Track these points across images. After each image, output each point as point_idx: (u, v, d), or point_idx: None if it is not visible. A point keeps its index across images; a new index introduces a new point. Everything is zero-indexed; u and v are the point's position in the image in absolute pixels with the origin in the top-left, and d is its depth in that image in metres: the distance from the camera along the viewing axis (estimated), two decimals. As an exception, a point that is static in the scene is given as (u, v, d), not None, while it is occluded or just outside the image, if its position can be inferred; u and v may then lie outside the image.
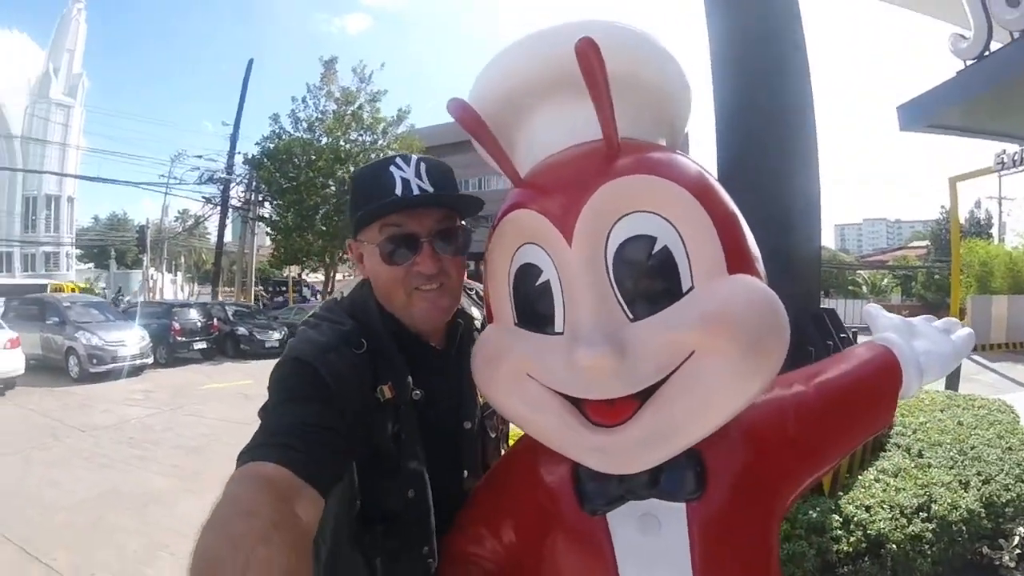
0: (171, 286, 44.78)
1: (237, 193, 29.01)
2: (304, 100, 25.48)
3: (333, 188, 24.35)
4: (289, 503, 0.77)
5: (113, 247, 54.36)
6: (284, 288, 33.48)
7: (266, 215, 27.65)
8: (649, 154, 0.92)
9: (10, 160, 53.19)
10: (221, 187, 28.30)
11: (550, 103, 0.99)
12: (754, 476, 0.97)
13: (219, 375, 14.21)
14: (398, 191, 1.08)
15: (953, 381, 8.22)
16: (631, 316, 0.84)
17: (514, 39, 1.03)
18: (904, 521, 3.06)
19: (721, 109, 4.33)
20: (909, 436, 4.36)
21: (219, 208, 28.87)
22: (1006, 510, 3.52)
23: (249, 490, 0.77)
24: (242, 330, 17.96)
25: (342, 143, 24.81)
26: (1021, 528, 3.51)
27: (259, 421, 0.94)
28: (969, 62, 7.89)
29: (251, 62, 30.32)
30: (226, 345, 17.77)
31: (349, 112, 25.02)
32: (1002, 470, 3.84)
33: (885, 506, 3.15)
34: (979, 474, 3.73)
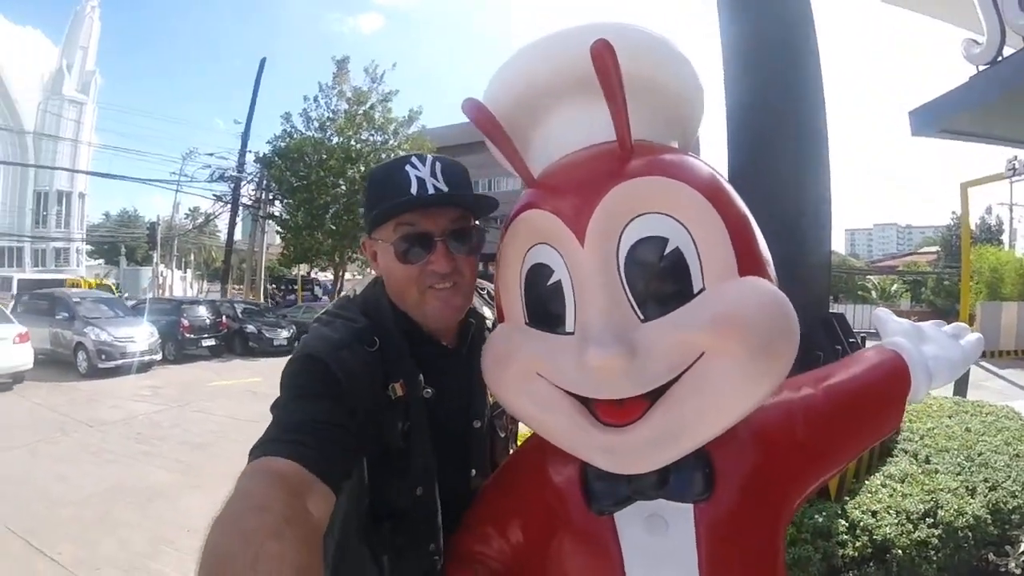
0: (181, 283, 44.92)
1: (248, 191, 29.14)
2: (316, 99, 25.55)
3: (344, 188, 24.40)
4: (301, 498, 0.77)
5: (123, 244, 54.65)
6: (302, 287, 33.44)
7: (276, 213, 27.74)
8: (662, 156, 0.93)
9: (22, 156, 53.58)
10: (232, 185, 28.41)
11: (564, 104, 1.00)
12: (762, 478, 0.98)
13: (227, 372, 14.26)
14: (413, 190, 1.09)
15: (961, 387, 8.18)
16: (642, 317, 0.85)
17: (529, 41, 1.04)
18: (910, 527, 3.05)
19: (733, 112, 4.32)
20: (916, 442, 4.34)
21: (230, 206, 28.97)
22: (1012, 517, 3.49)
23: (261, 485, 0.77)
24: (251, 328, 18.00)
25: (353, 143, 24.85)
26: (1028, 535, 3.50)
27: (267, 419, 0.95)
28: (982, 67, 7.83)
29: (263, 61, 30.45)
30: (234, 343, 17.80)
31: (361, 112, 25.07)
32: (1009, 477, 3.82)
33: (891, 511, 3.14)
34: (986, 480, 3.71)
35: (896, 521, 3.06)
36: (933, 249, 60.56)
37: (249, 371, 14.17)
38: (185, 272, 49.68)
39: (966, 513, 3.23)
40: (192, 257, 53.95)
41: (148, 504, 5.43)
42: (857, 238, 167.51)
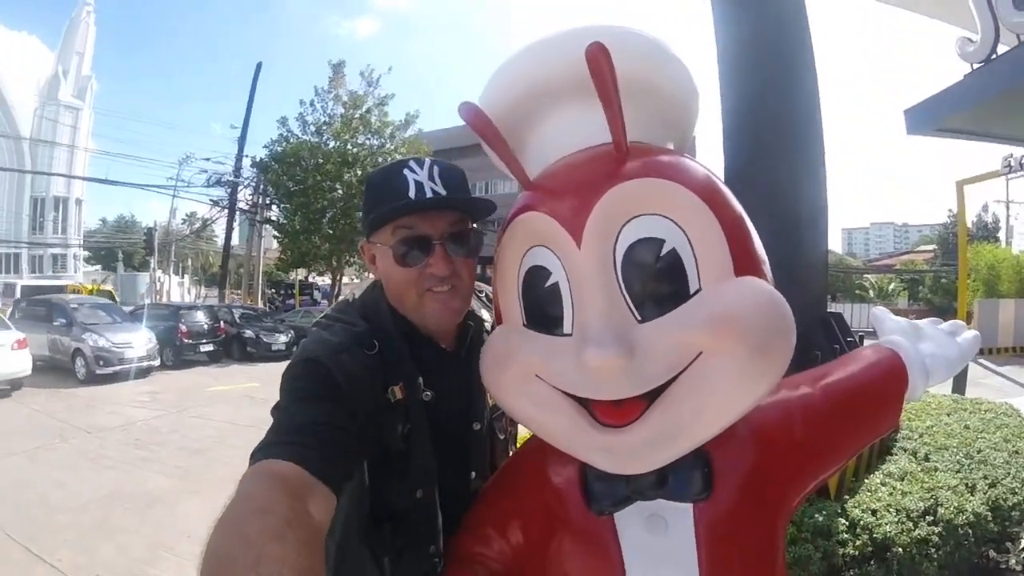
0: (178, 288, 44.92)
1: (245, 196, 29.13)
2: (312, 103, 25.62)
3: (340, 192, 24.45)
4: (302, 501, 0.77)
5: (120, 249, 54.64)
6: (302, 291, 33.36)
7: (273, 218, 27.74)
8: (658, 158, 0.93)
9: (19, 162, 53.55)
10: (229, 190, 28.38)
11: (560, 107, 1.01)
12: (761, 477, 0.98)
13: (225, 378, 14.22)
14: (411, 194, 1.09)
15: (960, 385, 8.18)
16: (639, 317, 0.85)
17: (525, 44, 1.05)
18: (910, 525, 3.05)
19: (729, 114, 4.33)
20: (915, 440, 4.35)
21: (227, 211, 28.95)
22: (1012, 514, 3.50)
23: (263, 487, 0.77)
24: (249, 333, 17.95)
25: (350, 147, 24.91)
26: (1028, 532, 3.51)
27: (265, 424, 0.95)
28: (976, 65, 7.87)
29: (259, 65, 30.45)
30: (233, 348, 17.75)
31: (357, 116, 25.11)
32: (1009, 473, 3.83)
33: (891, 510, 3.14)
34: (986, 478, 3.71)
35: (896, 519, 3.06)
36: (930, 247, 60.71)
37: (247, 376, 14.15)
38: (182, 277, 49.70)
39: (966, 510, 3.24)
40: (189, 262, 53.95)
41: (147, 510, 5.42)
42: (854, 237, 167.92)
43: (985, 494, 3.51)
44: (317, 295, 32.93)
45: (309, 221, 24.36)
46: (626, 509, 0.95)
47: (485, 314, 1.35)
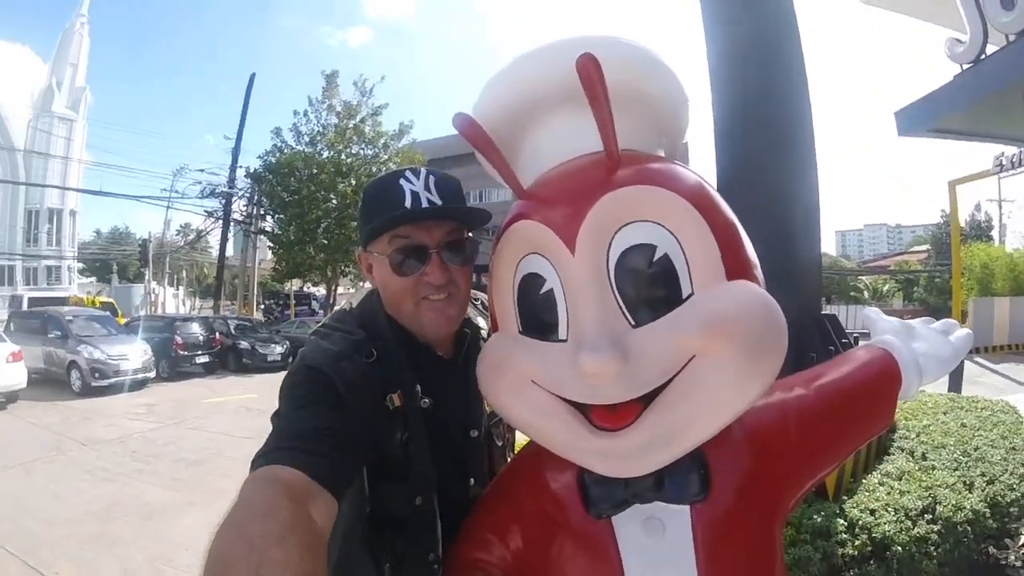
0: (173, 300, 44.80)
1: (239, 207, 29.12)
2: (306, 113, 25.65)
3: (335, 202, 24.46)
4: (304, 506, 0.78)
5: (115, 261, 54.48)
6: (300, 301, 33.20)
7: (268, 229, 27.71)
8: (649, 165, 0.94)
9: (13, 173, 53.42)
10: (223, 201, 28.36)
11: (553, 116, 1.02)
12: (757, 478, 0.99)
13: (222, 389, 14.18)
14: (408, 204, 1.10)
15: (956, 383, 8.22)
16: (633, 322, 0.86)
17: (517, 55, 1.06)
18: (909, 523, 3.06)
19: (720, 118, 4.35)
20: (912, 439, 4.36)
21: (221, 222, 28.92)
22: (1011, 510, 3.51)
23: (265, 492, 0.78)
24: (244, 344, 17.92)
25: (344, 157, 24.93)
26: (1027, 528, 3.52)
27: (262, 435, 0.95)
28: (965, 66, 7.92)
29: (253, 76, 30.50)
30: (228, 359, 17.72)
31: (351, 126, 25.14)
32: (1006, 470, 3.84)
33: (890, 509, 3.15)
34: (983, 475, 3.72)
35: (895, 518, 3.07)
36: (924, 248, 60.88)
37: (243, 387, 14.12)
38: (177, 289, 49.55)
39: (964, 508, 3.25)
40: (184, 274, 53.79)
41: (145, 522, 5.40)
42: (848, 239, 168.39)
43: (983, 491, 3.52)
44: (315, 305, 32.79)
45: (304, 231, 24.36)
46: (624, 512, 0.96)
47: (481, 322, 1.35)
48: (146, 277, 33.42)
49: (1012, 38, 7.28)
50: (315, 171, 24.35)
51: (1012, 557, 3.37)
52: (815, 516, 3.03)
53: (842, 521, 3.04)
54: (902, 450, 4.15)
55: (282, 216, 25.46)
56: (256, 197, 27.78)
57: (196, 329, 17.19)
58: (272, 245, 27.14)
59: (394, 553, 1.08)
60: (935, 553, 2.97)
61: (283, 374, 1.08)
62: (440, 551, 1.11)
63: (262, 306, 37.11)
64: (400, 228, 1.12)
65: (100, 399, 12.18)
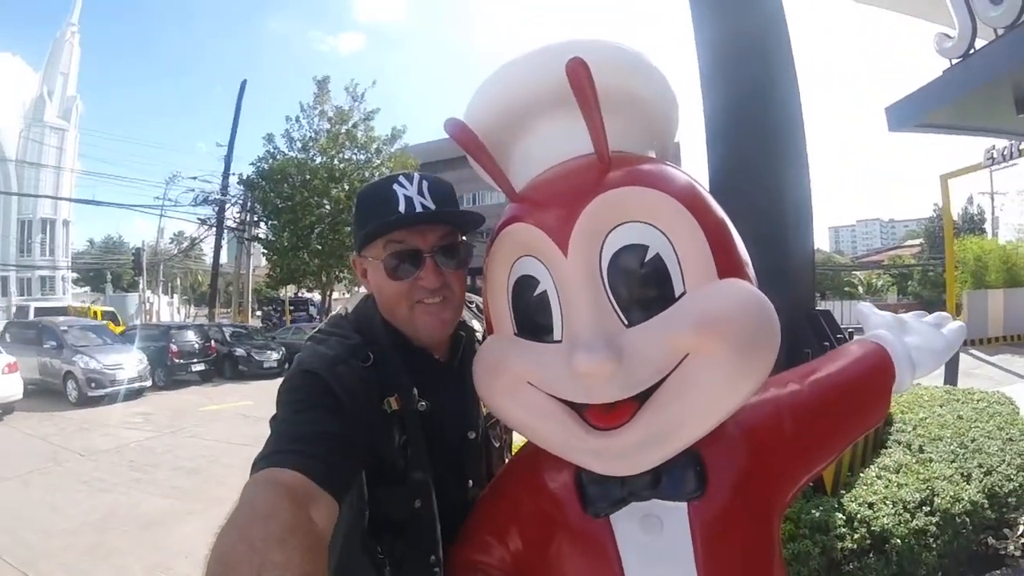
0: (168, 308, 44.62)
1: (232, 214, 29.02)
2: (298, 119, 25.58)
3: (328, 207, 24.40)
4: (305, 508, 0.78)
5: (109, 270, 54.26)
6: (297, 307, 32.98)
7: (262, 235, 27.62)
8: (639, 166, 0.95)
9: (5, 184, 53.14)
10: (216, 208, 28.27)
11: (544, 120, 1.03)
12: (753, 474, 1.00)
13: (218, 397, 14.15)
14: (401, 208, 1.11)
15: (952, 376, 8.25)
16: (626, 322, 0.87)
17: (507, 60, 1.07)
18: (908, 516, 3.07)
19: (711, 118, 4.38)
20: (909, 432, 4.38)
21: (214, 229, 28.83)
22: (1009, 500, 3.53)
23: (266, 495, 0.78)
24: (240, 351, 17.86)
25: (336, 162, 24.87)
26: (1025, 517, 3.54)
27: (259, 442, 0.96)
28: (955, 61, 7.95)
29: (244, 83, 30.49)
30: (224, 366, 17.67)
31: (343, 131, 25.09)
32: (1003, 461, 3.86)
33: (888, 502, 3.16)
34: (980, 466, 3.75)
35: (893, 511, 3.09)
36: (917, 242, 61.12)
37: (240, 395, 14.09)
38: (172, 297, 49.35)
39: (962, 499, 3.27)
40: (178, 282, 53.61)
41: (143, 531, 5.39)
42: (841, 234, 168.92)
43: (981, 482, 3.54)
44: (313, 311, 32.62)
45: (297, 237, 24.28)
46: (622, 510, 0.96)
47: (476, 324, 1.36)
48: (140, 286, 33.27)
49: (1001, 31, 7.31)
50: (308, 177, 24.28)
51: (1011, 547, 3.39)
52: (814, 510, 3.05)
53: (841, 515, 3.06)
54: (899, 443, 4.17)
55: (276, 222, 25.35)
56: (249, 204, 27.69)
57: (191, 337, 17.17)
58: (266, 251, 27.04)
59: (393, 556, 1.09)
60: (934, 545, 2.99)
61: (279, 381, 1.08)
62: (441, 553, 1.11)
63: (258, 313, 37.00)
64: (394, 233, 1.12)
65: (96, 409, 12.13)
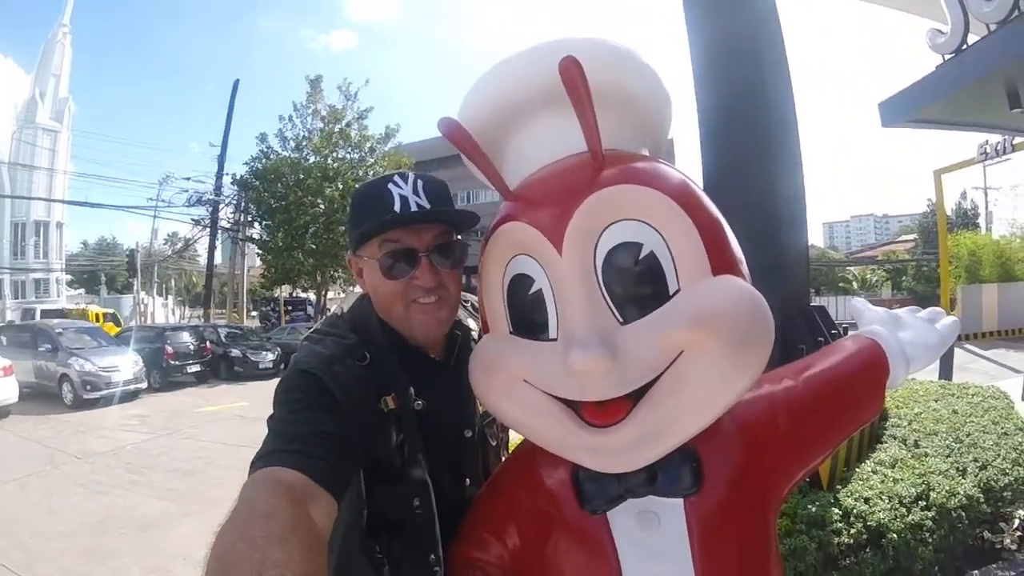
0: (162, 310, 44.53)
1: (226, 214, 28.92)
2: (291, 119, 25.53)
3: (322, 207, 24.36)
4: (304, 507, 0.78)
5: (103, 272, 54.06)
6: (295, 307, 32.81)
7: (256, 236, 27.55)
8: (633, 164, 0.95)
9: (-3, 186, 52.88)
10: (210, 209, 28.16)
11: (537, 118, 1.03)
12: (749, 470, 1.00)
13: (214, 398, 14.11)
14: (396, 208, 1.11)
15: (947, 371, 8.29)
16: (621, 320, 0.87)
17: (500, 58, 1.07)
18: (903, 511, 3.08)
19: (704, 118, 4.39)
20: (905, 427, 4.40)
21: (208, 230, 28.72)
22: (1004, 494, 3.55)
23: (266, 493, 0.78)
24: (235, 352, 17.81)
25: (330, 161, 24.83)
26: (1021, 511, 3.55)
27: (256, 443, 0.96)
28: (947, 56, 7.97)
29: (236, 82, 30.30)
30: (220, 367, 17.63)
31: (337, 130, 25.05)
32: (999, 455, 3.88)
33: (884, 497, 3.17)
34: (976, 460, 3.76)
35: (889, 506, 3.10)
36: (911, 237, 61.32)
37: (236, 395, 14.06)
38: (166, 298, 49.23)
39: (958, 493, 3.28)
40: (173, 283, 53.45)
41: (140, 533, 5.38)
42: (835, 230, 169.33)
43: (976, 476, 3.56)
44: (311, 310, 32.50)
45: (292, 237, 24.25)
46: (619, 507, 0.97)
47: (472, 323, 1.36)
48: (135, 287, 33.20)
49: (993, 27, 7.34)
50: (302, 176, 24.24)
51: (1007, 540, 3.40)
52: (810, 506, 3.05)
53: (837, 510, 3.06)
54: (895, 438, 4.18)
55: (270, 222, 25.30)
56: (243, 204, 27.61)
57: (187, 338, 17.09)
58: (260, 252, 26.97)
59: (391, 555, 1.09)
60: (930, 539, 3.00)
61: (275, 381, 1.08)
62: (440, 552, 1.11)
63: (253, 314, 36.87)
64: (390, 232, 1.13)
65: (92, 411, 12.09)
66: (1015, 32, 6.95)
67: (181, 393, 14.97)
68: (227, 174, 28.21)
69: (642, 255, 0.88)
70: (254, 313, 37.79)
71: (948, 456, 3.81)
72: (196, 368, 16.60)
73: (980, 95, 7.96)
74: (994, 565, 3.32)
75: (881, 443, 4.12)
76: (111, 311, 29.97)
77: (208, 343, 17.60)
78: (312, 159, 24.89)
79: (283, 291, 32.49)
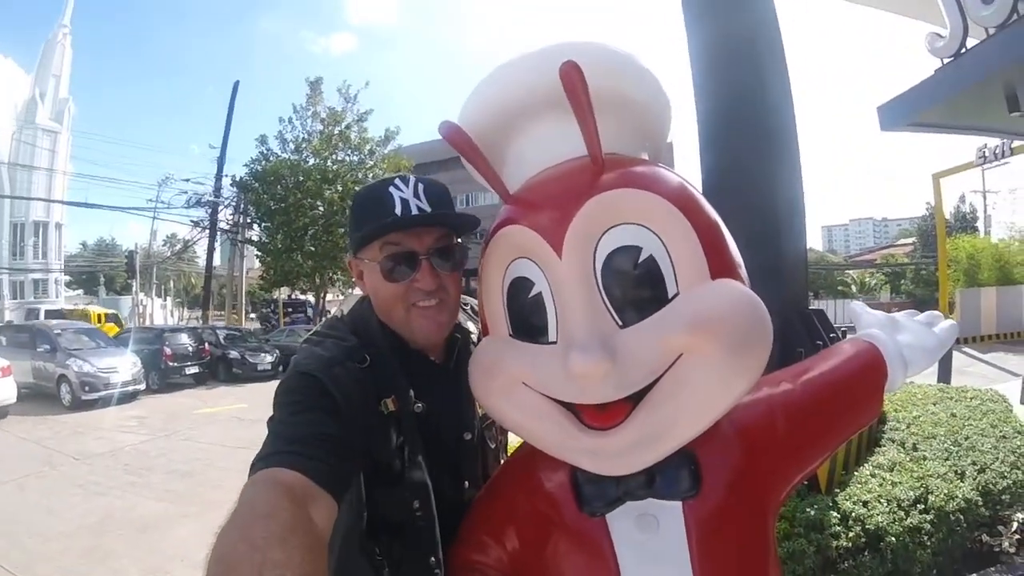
0: (161, 311, 44.48)
1: (225, 216, 28.89)
2: (291, 121, 25.54)
3: (322, 209, 24.36)
4: (305, 508, 0.78)
5: (102, 273, 53.99)
6: (294, 309, 32.72)
7: (255, 238, 27.53)
8: (632, 168, 0.96)
9: (-3, 187, 52.78)
10: (209, 210, 28.14)
11: (537, 122, 1.03)
12: (747, 473, 1.01)
13: (212, 399, 14.10)
14: (397, 211, 1.12)
15: (945, 374, 8.29)
16: (620, 323, 0.88)
17: (501, 63, 1.07)
18: (902, 514, 3.08)
19: (704, 122, 4.40)
20: (903, 430, 4.40)
21: (207, 231, 28.70)
22: (1003, 497, 3.55)
23: (267, 494, 0.78)
24: (234, 354, 17.78)
25: (330, 163, 24.83)
26: (1019, 514, 3.55)
27: (255, 445, 0.96)
28: (946, 60, 7.99)
29: (236, 84, 30.32)
30: (218, 369, 17.60)
31: (336, 132, 25.06)
32: (997, 458, 3.88)
33: (882, 500, 3.17)
34: (974, 463, 3.76)
35: (888, 509, 3.10)
36: (910, 240, 61.36)
37: (234, 397, 14.05)
38: (165, 300, 49.18)
39: (956, 497, 3.28)
40: (172, 284, 53.41)
41: (139, 535, 5.38)
42: (834, 234, 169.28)
43: (975, 480, 3.56)
44: (310, 312, 32.42)
45: (291, 239, 24.25)
46: (618, 509, 0.97)
47: (471, 326, 1.37)
48: (134, 289, 33.16)
49: (992, 31, 7.35)
50: (301, 178, 24.24)
51: (1006, 543, 3.40)
52: (808, 509, 3.06)
53: (835, 513, 3.06)
54: (893, 441, 4.18)
55: (269, 224, 25.29)
56: (242, 205, 27.59)
57: (185, 340, 17.06)
58: (260, 253, 26.96)
59: (391, 558, 1.09)
60: (929, 543, 3.00)
61: (274, 383, 1.09)
62: (441, 554, 1.11)
63: (253, 316, 36.82)
64: (390, 235, 1.13)
65: (90, 412, 12.08)
66: (1014, 36, 6.97)
67: (179, 395, 14.96)
68: (226, 176, 28.27)
69: (641, 259, 0.88)
70: (253, 315, 37.74)
71: (946, 459, 3.81)
72: (195, 370, 16.57)
73: (979, 99, 7.97)
74: (992, 568, 3.32)
75: (879, 446, 4.12)
76: (113, 312, 29.93)
77: (207, 345, 17.56)
78: (312, 161, 24.90)
79: (282, 293, 32.43)
